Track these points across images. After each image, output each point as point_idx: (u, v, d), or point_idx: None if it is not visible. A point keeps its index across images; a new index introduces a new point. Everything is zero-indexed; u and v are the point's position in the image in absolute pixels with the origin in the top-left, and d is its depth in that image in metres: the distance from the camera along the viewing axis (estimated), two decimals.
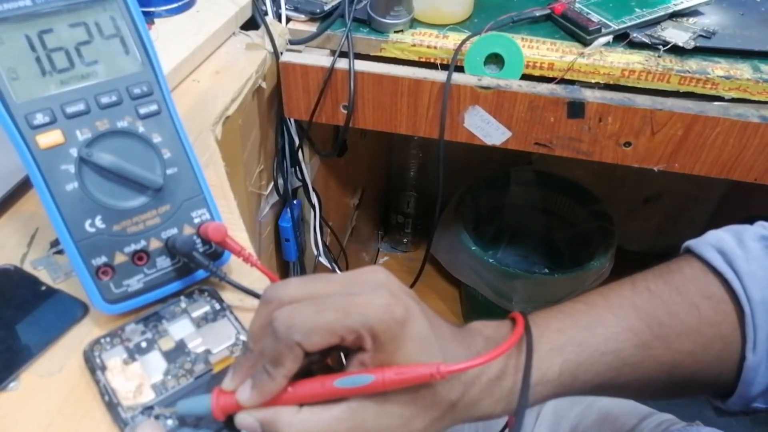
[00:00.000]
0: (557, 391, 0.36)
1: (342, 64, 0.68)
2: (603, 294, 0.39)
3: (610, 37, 0.68)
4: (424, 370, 0.30)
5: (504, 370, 0.35)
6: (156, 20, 0.67)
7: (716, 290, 0.38)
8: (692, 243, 0.41)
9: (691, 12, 0.72)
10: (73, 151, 0.37)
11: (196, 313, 0.40)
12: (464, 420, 0.34)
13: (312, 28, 0.72)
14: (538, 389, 0.36)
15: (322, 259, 0.91)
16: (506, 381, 0.35)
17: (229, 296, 0.42)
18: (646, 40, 0.67)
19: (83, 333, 0.40)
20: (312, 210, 0.86)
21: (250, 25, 0.73)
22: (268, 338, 0.30)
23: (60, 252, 0.45)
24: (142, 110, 0.39)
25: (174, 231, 0.41)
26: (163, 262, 0.40)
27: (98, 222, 0.38)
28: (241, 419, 0.32)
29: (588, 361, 0.37)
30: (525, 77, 0.68)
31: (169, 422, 0.34)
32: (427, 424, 0.32)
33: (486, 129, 0.70)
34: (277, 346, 0.30)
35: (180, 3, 0.69)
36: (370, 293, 0.30)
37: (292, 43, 0.71)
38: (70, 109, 0.37)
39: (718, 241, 0.39)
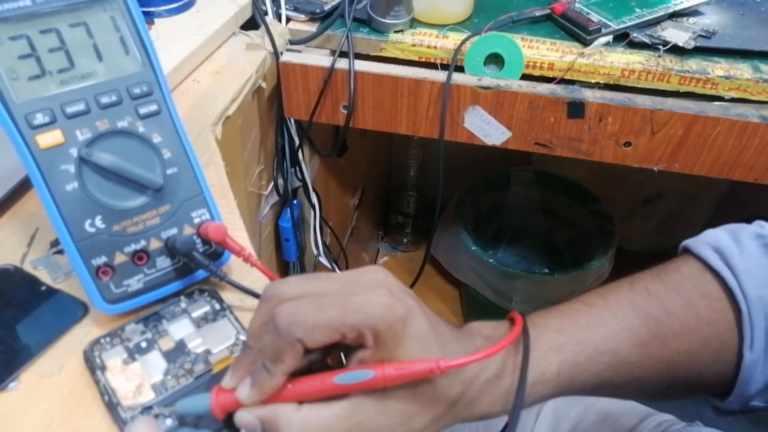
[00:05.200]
0: (556, 390, 0.36)
1: (342, 64, 0.68)
2: (602, 294, 0.40)
3: (610, 37, 0.68)
4: (423, 366, 0.30)
5: (503, 369, 0.35)
6: (156, 20, 0.67)
7: (713, 289, 0.38)
8: (690, 242, 0.41)
9: (691, 12, 0.72)
10: (73, 151, 0.37)
11: (196, 313, 0.40)
12: (464, 419, 0.34)
13: (312, 28, 0.72)
14: (536, 388, 0.36)
15: (322, 259, 0.91)
16: (505, 380, 0.35)
17: (229, 296, 0.42)
18: (646, 40, 0.67)
19: (83, 333, 0.40)
20: (312, 210, 0.86)
21: (250, 25, 0.73)
22: (269, 334, 0.30)
23: (60, 252, 0.45)
24: (142, 110, 0.39)
25: (174, 231, 0.41)
26: (163, 262, 0.40)
27: (98, 222, 0.38)
28: (241, 417, 0.32)
29: (586, 361, 0.37)
30: (525, 77, 0.68)
31: (168, 422, 0.34)
32: (427, 423, 0.32)
33: (486, 129, 0.70)
34: (278, 342, 0.30)
35: (180, 3, 0.69)
36: (371, 292, 0.30)
37: (292, 43, 0.71)
38: (70, 109, 0.37)
39: (715, 240, 0.40)
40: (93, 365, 0.37)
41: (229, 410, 0.32)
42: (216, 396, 0.32)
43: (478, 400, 0.34)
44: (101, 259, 0.38)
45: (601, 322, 0.38)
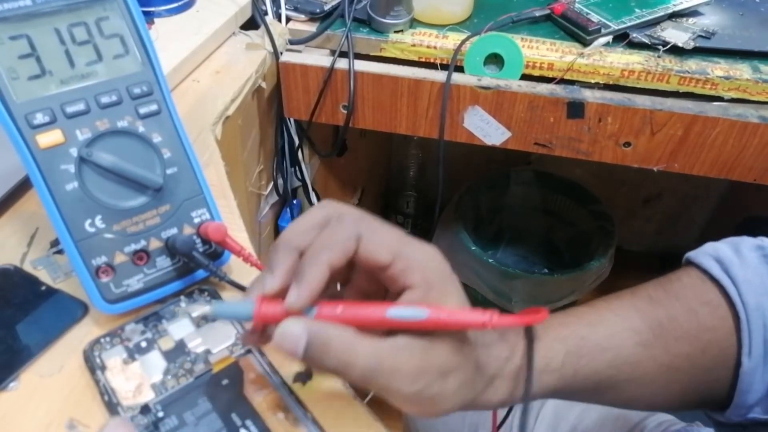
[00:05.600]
0: (559, 383, 0.37)
1: (342, 64, 0.69)
2: (605, 299, 0.41)
3: (609, 38, 0.68)
4: (477, 316, 0.30)
5: (522, 365, 0.36)
6: (156, 20, 0.67)
7: (713, 297, 0.39)
8: (691, 254, 0.42)
9: (691, 12, 0.72)
10: (73, 151, 0.37)
11: (196, 313, 0.40)
12: (477, 403, 0.34)
13: (312, 28, 0.72)
14: (542, 377, 0.36)
15: None
16: (521, 373, 0.35)
17: (229, 296, 0.42)
18: (646, 40, 0.67)
19: (83, 333, 0.40)
20: None
21: (250, 25, 0.73)
22: (331, 224, 0.31)
23: (60, 252, 0.45)
24: (142, 110, 0.39)
25: (174, 231, 0.41)
26: (163, 262, 0.40)
27: (98, 222, 0.38)
28: (288, 326, 0.29)
29: (589, 355, 0.37)
30: (525, 77, 0.68)
31: (168, 420, 0.35)
32: (457, 388, 0.32)
33: (486, 129, 0.70)
34: (338, 231, 0.30)
35: (180, 3, 0.69)
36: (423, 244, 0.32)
37: (292, 43, 0.71)
38: (70, 109, 0.37)
39: (716, 251, 0.41)
40: (93, 365, 0.37)
41: (270, 322, 0.30)
42: (260, 304, 0.30)
43: (497, 384, 0.35)
44: (101, 259, 0.38)
45: (604, 321, 0.39)
